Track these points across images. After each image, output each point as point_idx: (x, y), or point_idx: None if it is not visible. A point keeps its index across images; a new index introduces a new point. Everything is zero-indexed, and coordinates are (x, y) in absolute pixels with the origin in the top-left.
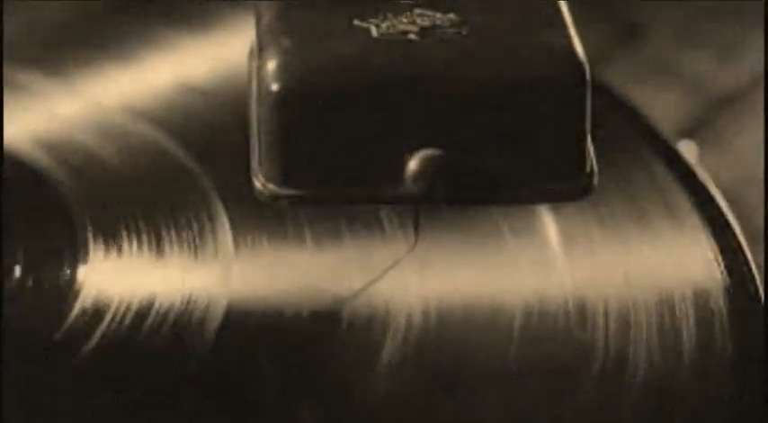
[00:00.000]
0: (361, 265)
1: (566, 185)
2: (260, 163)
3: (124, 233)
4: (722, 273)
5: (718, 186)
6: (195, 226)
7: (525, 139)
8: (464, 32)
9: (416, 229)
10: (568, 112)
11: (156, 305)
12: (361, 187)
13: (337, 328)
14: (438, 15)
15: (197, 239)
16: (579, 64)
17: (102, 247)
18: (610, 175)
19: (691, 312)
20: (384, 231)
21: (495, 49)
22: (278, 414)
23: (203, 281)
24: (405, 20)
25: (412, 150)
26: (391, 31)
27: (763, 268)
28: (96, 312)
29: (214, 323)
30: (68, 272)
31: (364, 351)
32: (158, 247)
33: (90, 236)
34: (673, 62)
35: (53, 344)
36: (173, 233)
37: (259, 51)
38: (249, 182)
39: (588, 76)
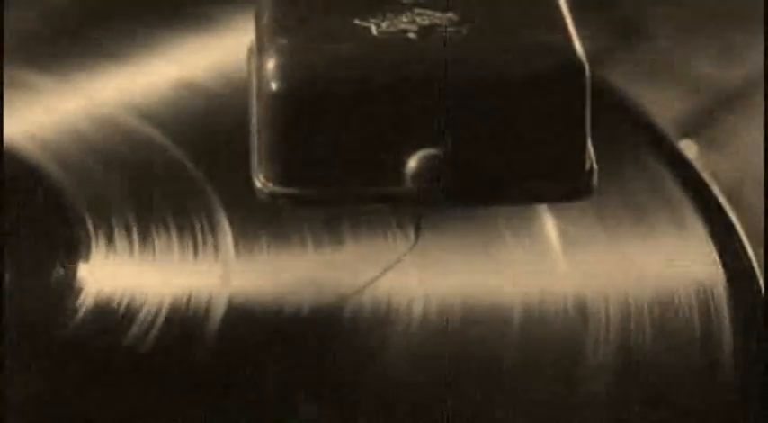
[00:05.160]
0: (362, 264)
1: (566, 185)
2: (260, 162)
3: (124, 232)
4: (723, 271)
5: (718, 185)
6: (195, 225)
7: (525, 139)
8: (464, 32)
9: (417, 228)
10: (568, 111)
11: (157, 304)
12: (361, 186)
13: (338, 327)
14: (438, 14)
15: (197, 238)
16: (579, 63)
17: (102, 246)
18: (610, 175)
19: (691, 310)
20: (384, 230)
21: (495, 48)
22: (280, 412)
23: (204, 280)
24: (405, 19)
25: (412, 150)
26: (391, 29)
27: (763, 267)
28: (97, 312)
29: (215, 322)
30: (69, 271)
31: (365, 349)
32: (159, 246)
33: (90, 235)
34: (673, 62)
35: (54, 343)
36: (173, 232)
37: (259, 51)
38: (249, 181)
39: (588, 76)
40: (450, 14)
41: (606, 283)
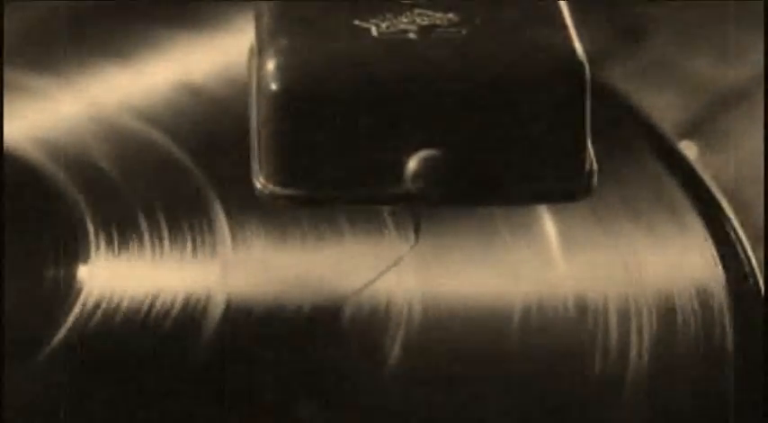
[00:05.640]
0: (362, 264)
1: (565, 185)
2: (260, 163)
3: (124, 232)
4: (723, 271)
5: (718, 186)
6: (195, 225)
7: (525, 139)
8: (464, 32)
9: (417, 228)
10: (568, 111)
11: (157, 304)
12: (360, 187)
13: (338, 326)
14: (438, 15)
15: (197, 238)
16: (579, 64)
17: (102, 246)
18: (610, 175)
19: (691, 311)
20: (384, 231)
21: (495, 49)
22: (278, 412)
23: (203, 279)
24: (405, 19)
25: (412, 150)
26: (391, 30)
27: (763, 267)
28: (97, 311)
29: (213, 321)
30: (69, 271)
31: (365, 349)
32: (158, 246)
33: (90, 235)
34: (673, 62)
35: (54, 343)
36: (173, 232)
37: (259, 51)
38: (249, 182)
39: (588, 76)
40: (450, 15)
41: (606, 284)
